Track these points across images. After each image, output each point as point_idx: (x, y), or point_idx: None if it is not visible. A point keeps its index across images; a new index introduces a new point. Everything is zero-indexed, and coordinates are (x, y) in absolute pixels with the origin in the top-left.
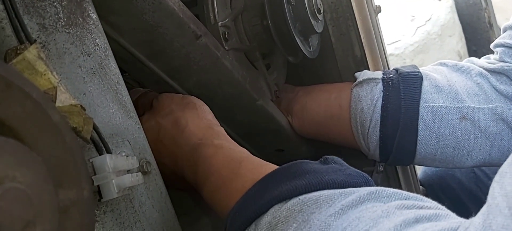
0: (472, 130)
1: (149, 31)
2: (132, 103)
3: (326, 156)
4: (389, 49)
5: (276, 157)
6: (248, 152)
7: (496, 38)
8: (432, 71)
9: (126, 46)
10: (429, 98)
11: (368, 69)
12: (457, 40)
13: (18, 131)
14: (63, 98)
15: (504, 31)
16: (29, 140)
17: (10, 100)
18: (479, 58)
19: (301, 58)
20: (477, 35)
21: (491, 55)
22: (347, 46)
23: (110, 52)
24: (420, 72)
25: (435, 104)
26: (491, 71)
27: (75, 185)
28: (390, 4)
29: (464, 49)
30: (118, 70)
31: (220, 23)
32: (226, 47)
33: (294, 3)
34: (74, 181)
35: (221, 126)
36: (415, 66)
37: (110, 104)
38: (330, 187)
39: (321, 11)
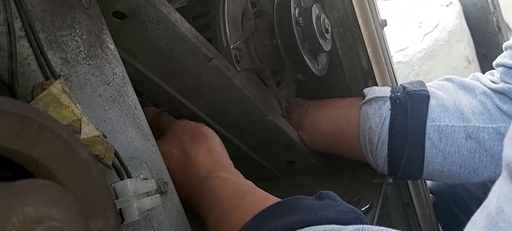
0: (477, 148)
1: (163, 56)
2: (148, 127)
3: (321, 191)
4: (397, 57)
5: (288, 169)
6: (253, 185)
7: (505, 41)
8: (439, 89)
9: (141, 70)
10: (435, 117)
11: (376, 81)
12: (465, 45)
13: (51, 169)
14: (87, 130)
15: (505, 49)
16: (60, 177)
17: (44, 141)
18: (489, 62)
19: (310, 76)
20: (486, 39)
21: (495, 72)
22: (354, 60)
23: (127, 80)
24: (427, 91)
25: (442, 123)
26: (494, 91)
27: (102, 215)
28: (397, 11)
29: (472, 54)
30: (135, 96)
31: (232, 46)
32: (238, 68)
33: (302, 24)
34: (101, 211)
35: (233, 140)
36: (422, 84)
37: (128, 129)
38: (322, 223)
39: (329, 31)
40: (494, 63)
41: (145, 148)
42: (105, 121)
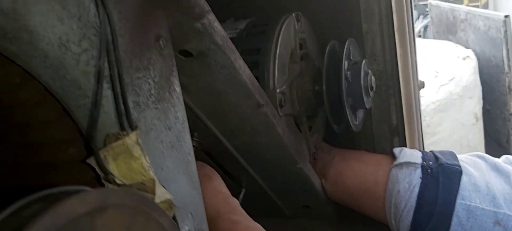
0: None
1: (216, 96)
2: (197, 173)
3: None
4: None
5: (301, 212)
6: (262, 228)
7: None
8: (471, 166)
9: (190, 104)
10: (466, 195)
11: (404, 139)
12: (475, 102)
13: None
14: (160, 193)
15: None
16: None
17: None
18: (492, 118)
19: (345, 128)
20: (494, 96)
21: None
22: (384, 114)
23: (186, 124)
24: (460, 166)
25: (472, 204)
26: None
27: None
28: None
29: (481, 112)
30: (190, 141)
31: (278, 90)
32: (280, 113)
33: (350, 79)
34: None
35: (256, 178)
36: (454, 157)
37: (181, 177)
38: None
39: (374, 89)
40: None
41: (192, 196)
42: (162, 169)
